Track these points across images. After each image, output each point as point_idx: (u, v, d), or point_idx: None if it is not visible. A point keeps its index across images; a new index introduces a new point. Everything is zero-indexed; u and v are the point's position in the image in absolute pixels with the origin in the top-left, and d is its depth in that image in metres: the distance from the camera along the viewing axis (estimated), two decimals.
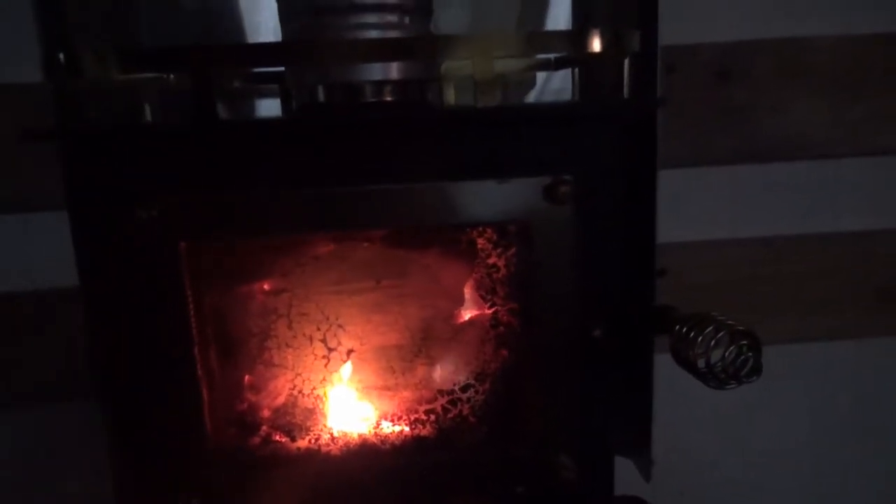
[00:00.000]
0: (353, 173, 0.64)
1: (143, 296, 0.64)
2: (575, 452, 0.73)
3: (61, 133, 0.65)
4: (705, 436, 1.14)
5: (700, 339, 0.65)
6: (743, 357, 0.62)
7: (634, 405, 0.76)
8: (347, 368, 0.73)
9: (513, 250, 0.71)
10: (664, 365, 0.70)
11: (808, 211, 1.10)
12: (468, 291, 0.73)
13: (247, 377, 0.72)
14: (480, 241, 0.71)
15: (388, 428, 0.74)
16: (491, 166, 0.65)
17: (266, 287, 0.70)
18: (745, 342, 0.63)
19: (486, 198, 0.65)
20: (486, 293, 0.73)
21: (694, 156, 1.05)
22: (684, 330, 0.67)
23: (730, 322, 0.66)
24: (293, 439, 0.72)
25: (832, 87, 1.04)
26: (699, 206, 1.07)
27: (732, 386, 0.63)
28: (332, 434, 0.73)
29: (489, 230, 0.71)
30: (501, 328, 0.73)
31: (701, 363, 0.64)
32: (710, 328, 0.65)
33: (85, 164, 0.63)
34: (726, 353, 0.63)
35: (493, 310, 0.73)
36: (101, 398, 0.68)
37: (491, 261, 0.72)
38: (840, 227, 1.10)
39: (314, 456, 0.73)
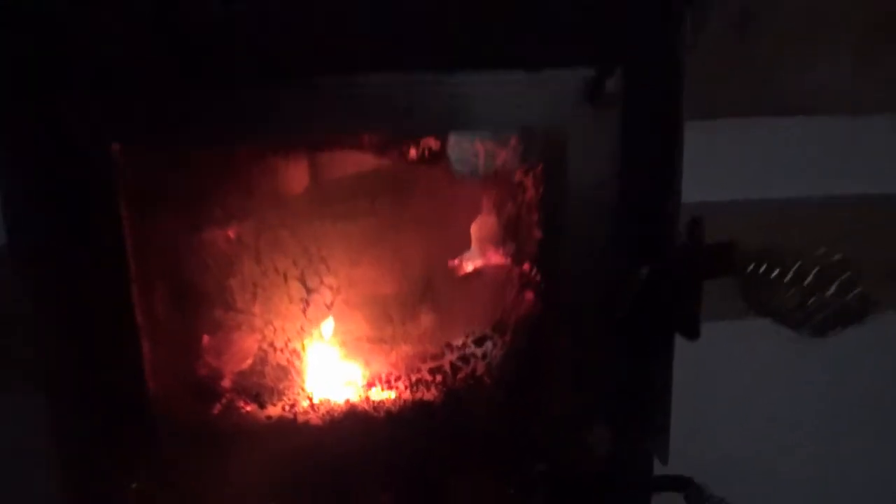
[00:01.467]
0: (340, 58, 0.49)
1: (66, 217, 0.48)
2: (612, 422, 0.59)
3: None
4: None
5: (788, 279, 0.51)
6: (854, 295, 0.48)
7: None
8: (331, 316, 0.57)
9: (543, 166, 0.55)
10: None
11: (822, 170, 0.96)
12: (486, 219, 0.58)
13: (202, 328, 0.56)
14: (503, 153, 0.56)
15: (382, 392, 0.59)
16: (517, 53, 0.50)
17: (227, 210, 0.54)
18: (846, 275, 0.50)
19: (511, 95, 0.51)
20: (509, 221, 0.57)
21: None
22: (762, 270, 0.53)
23: (819, 254, 0.52)
24: (262, 406, 0.57)
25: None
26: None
27: (837, 331, 0.49)
28: (310, 400, 0.58)
29: (514, 139, 0.55)
30: (527, 266, 0.58)
31: (795, 309, 0.51)
32: (797, 266, 0.52)
33: None
34: (826, 293, 0.50)
35: (516, 243, 0.58)
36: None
37: (516, 179, 0.56)
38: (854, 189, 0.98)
39: (288, 427, 0.58)
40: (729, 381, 0.98)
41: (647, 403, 0.63)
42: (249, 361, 0.57)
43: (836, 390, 1.05)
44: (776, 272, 0.52)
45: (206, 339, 0.57)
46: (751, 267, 0.54)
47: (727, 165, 0.97)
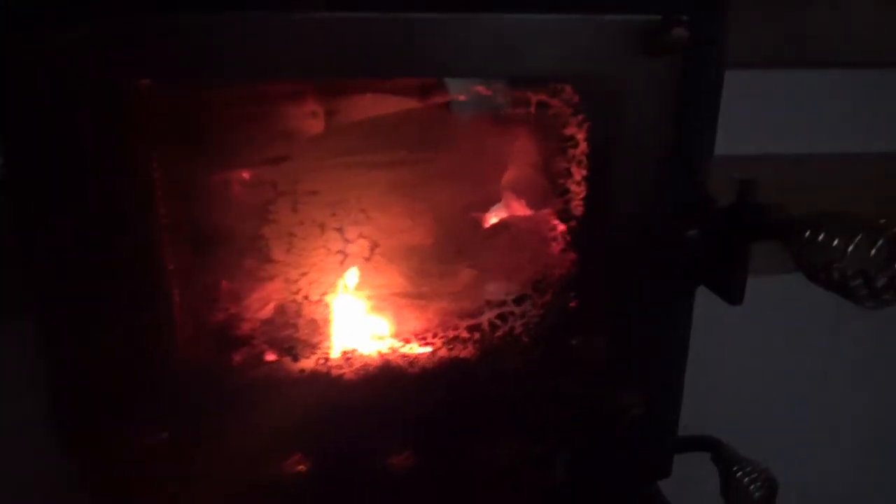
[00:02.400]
0: None
1: (89, 161, 0.44)
2: (648, 383, 0.58)
3: None
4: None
5: (851, 249, 0.49)
6: None
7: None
8: (368, 270, 0.55)
9: (595, 119, 0.52)
10: None
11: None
12: (533, 172, 0.55)
13: (235, 278, 0.54)
14: (554, 103, 0.52)
15: (417, 347, 0.57)
16: None
17: (262, 155, 0.51)
18: None
19: (566, 41, 0.48)
20: (556, 175, 0.54)
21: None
22: (821, 237, 0.51)
23: (881, 221, 0.50)
24: (295, 359, 0.55)
25: None
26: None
27: None
28: (345, 353, 0.56)
29: (567, 88, 0.52)
30: (573, 223, 0.55)
31: (854, 278, 0.49)
32: (861, 236, 0.50)
33: None
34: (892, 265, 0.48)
35: (564, 198, 0.55)
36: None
37: (567, 131, 0.53)
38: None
39: (321, 380, 0.55)
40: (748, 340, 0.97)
41: (672, 364, 0.63)
42: (282, 313, 0.55)
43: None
44: (837, 241, 0.50)
45: (238, 289, 0.54)
46: (806, 233, 0.52)
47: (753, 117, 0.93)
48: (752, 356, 0.99)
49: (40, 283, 0.49)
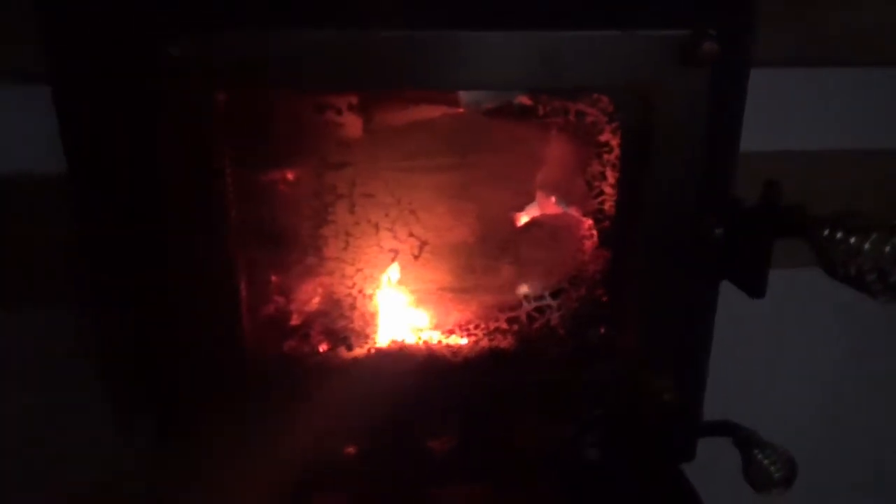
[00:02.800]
0: (436, 14, 0.49)
1: (162, 165, 0.49)
2: (675, 371, 0.62)
3: None
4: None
5: (868, 247, 0.53)
6: None
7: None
8: (417, 266, 0.59)
9: (630, 126, 0.56)
10: None
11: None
12: (570, 175, 0.59)
13: (293, 273, 0.58)
14: (591, 112, 0.56)
15: (460, 338, 0.61)
16: (612, 13, 0.51)
17: (323, 160, 0.55)
18: None
19: (604, 55, 0.51)
20: (592, 178, 0.59)
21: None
22: (839, 235, 0.55)
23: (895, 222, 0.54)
24: (349, 349, 0.59)
25: None
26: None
27: None
28: (395, 342, 0.60)
29: (604, 98, 0.56)
30: (607, 223, 0.60)
31: (870, 273, 0.52)
32: (875, 234, 0.53)
33: None
34: None
35: (599, 199, 0.59)
36: (98, 302, 0.53)
37: (603, 138, 0.57)
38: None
39: (371, 367, 0.59)
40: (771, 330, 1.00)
41: (698, 353, 0.66)
42: (338, 306, 0.59)
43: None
44: (854, 239, 0.54)
45: (298, 284, 0.59)
46: (826, 232, 0.55)
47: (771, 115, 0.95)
48: (768, 347, 1.02)
49: (118, 278, 0.53)
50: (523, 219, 0.61)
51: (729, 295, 0.62)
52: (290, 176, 0.56)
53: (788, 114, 0.94)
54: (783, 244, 0.59)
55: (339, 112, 0.53)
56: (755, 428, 0.64)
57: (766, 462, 0.63)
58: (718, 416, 0.68)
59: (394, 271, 0.59)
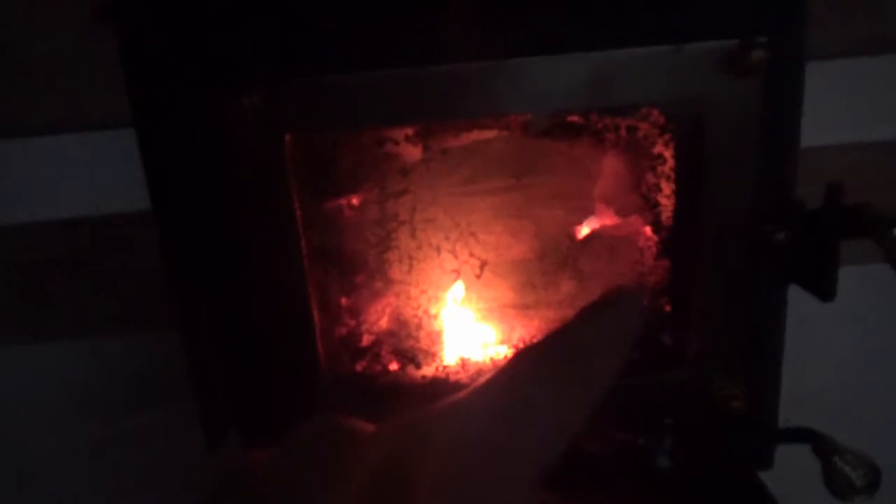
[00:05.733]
0: (483, 45, 0.51)
1: (238, 202, 0.53)
2: (744, 378, 0.61)
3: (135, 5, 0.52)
4: None
5: None
6: None
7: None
8: (479, 285, 0.61)
9: (683, 138, 0.57)
10: None
11: None
12: (625, 188, 0.60)
13: (364, 297, 0.61)
14: (643, 127, 0.57)
15: None
16: (661, 28, 0.52)
17: (384, 189, 0.58)
18: None
19: (653, 70, 0.52)
20: (647, 192, 0.59)
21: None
22: None
23: None
24: (418, 367, 0.62)
25: None
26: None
27: None
28: (462, 360, 0.62)
29: (654, 112, 0.57)
30: (664, 234, 0.60)
31: None
32: None
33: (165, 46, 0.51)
34: None
35: (655, 211, 0.59)
36: (183, 324, 0.58)
37: (656, 150, 0.58)
38: None
39: (441, 385, 0.62)
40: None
41: (770, 359, 0.65)
42: (405, 326, 0.62)
43: None
44: None
45: (367, 306, 0.62)
46: (894, 230, 0.54)
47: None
48: (841, 349, 0.99)
49: (200, 305, 0.58)
50: (582, 231, 0.62)
51: (798, 297, 0.61)
52: (355, 204, 0.59)
53: (856, 104, 0.91)
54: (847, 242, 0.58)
55: (397, 143, 0.56)
56: (832, 432, 0.63)
57: (846, 469, 0.61)
58: (797, 422, 0.67)
59: (457, 291, 0.62)
